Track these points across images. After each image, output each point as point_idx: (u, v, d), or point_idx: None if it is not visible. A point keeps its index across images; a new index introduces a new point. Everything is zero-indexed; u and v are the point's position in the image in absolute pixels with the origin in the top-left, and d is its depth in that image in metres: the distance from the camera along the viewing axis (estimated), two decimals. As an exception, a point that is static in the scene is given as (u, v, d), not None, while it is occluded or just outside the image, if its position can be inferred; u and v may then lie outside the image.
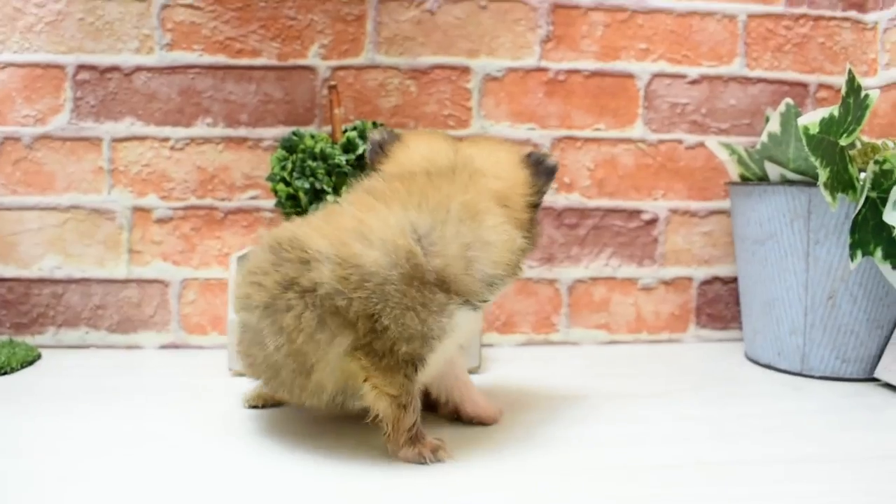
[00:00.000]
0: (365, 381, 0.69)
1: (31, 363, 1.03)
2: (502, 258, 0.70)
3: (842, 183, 0.88)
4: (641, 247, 1.20)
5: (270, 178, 0.98)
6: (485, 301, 0.71)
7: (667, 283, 1.21)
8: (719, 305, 1.22)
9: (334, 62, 1.12)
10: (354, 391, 0.70)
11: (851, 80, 0.86)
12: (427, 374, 0.72)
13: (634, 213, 1.19)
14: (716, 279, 1.22)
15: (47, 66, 1.10)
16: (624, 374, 1.02)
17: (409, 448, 0.70)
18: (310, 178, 0.96)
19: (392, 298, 0.65)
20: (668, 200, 1.20)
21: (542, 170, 0.77)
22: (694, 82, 1.19)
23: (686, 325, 1.22)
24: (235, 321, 0.76)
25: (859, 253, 0.89)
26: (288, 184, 0.97)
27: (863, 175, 0.90)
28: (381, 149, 0.79)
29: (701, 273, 1.22)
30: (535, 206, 0.77)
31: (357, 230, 0.67)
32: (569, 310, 1.19)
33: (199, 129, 1.12)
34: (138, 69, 1.11)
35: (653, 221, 1.20)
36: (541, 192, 0.77)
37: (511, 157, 0.78)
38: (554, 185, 0.82)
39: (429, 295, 0.66)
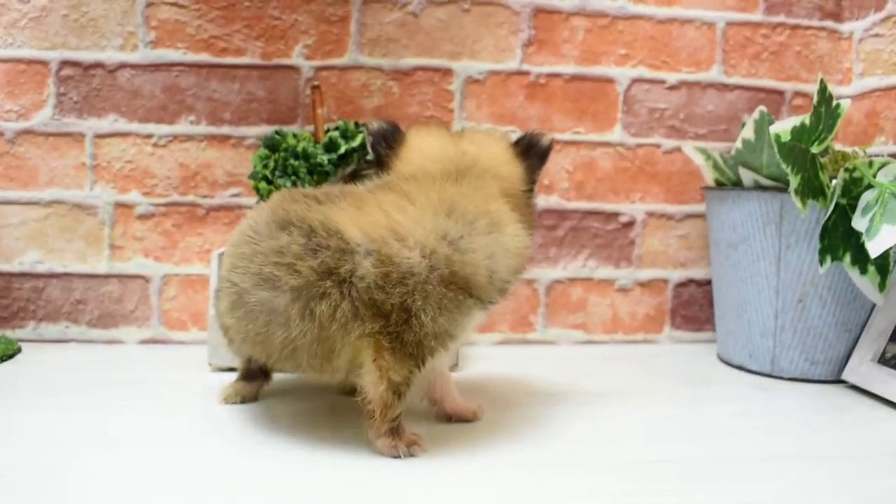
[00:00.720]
0: (374, 361, 0.70)
1: (11, 357, 1.03)
2: (518, 265, 0.76)
3: (812, 190, 0.90)
4: (618, 249, 1.22)
5: (252, 177, 0.99)
6: (495, 304, 0.75)
7: (643, 284, 1.23)
8: (694, 307, 1.25)
9: (318, 62, 1.14)
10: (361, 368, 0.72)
11: (823, 89, 0.88)
12: (428, 369, 0.74)
13: (612, 216, 1.21)
14: (691, 281, 1.24)
15: (31, 62, 1.10)
16: (599, 374, 1.04)
17: (388, 439, 0.71)
18: (291, 177, 0.97)
19: (431, 298, 0.69)
20: (646, 203, 1.22)
21: (534, 153, 0.82)
22: (672, 88, 1.21)
23: (661, 327, 1.24)
24: (245, 301, 0.72)
25: (828, 258, 0.91)
26: (270, 182, 0.98)
27: (833, 182, 0.92)
28: (384, 140, 0.81)
29: (676, 275, 1.24)
30: (532, 192, 0.83)
31: (393, 230, 0.69)
32: (546, 309, 1.21)
33: (183, 126, 1.13)
34: (122, 66, 1.11)
35: (630, 224, 1.21)
36: (536, 176, 0.83)
37: (506, 150, 0.82)
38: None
39: (461, 298, 0.71)
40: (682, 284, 1.24)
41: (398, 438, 0.72)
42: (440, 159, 0.79)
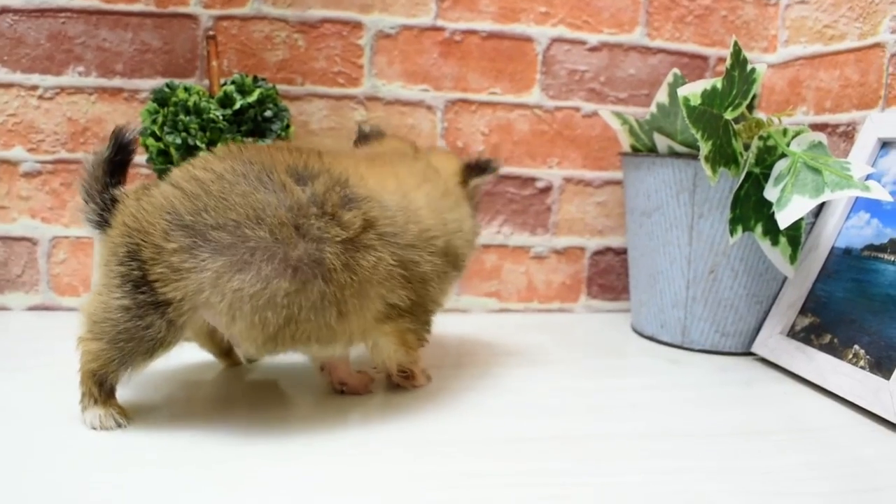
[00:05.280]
0: (397, 330, 0.73)
1: None
2: (473, 240, 0.83)
3: (725, 157, 0.87)
4: (535, 215, 1.18)
5: (141, 133, 0.92)
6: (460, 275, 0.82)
7: (559, 252, 1.20)
8: (611, 276, 1.22)
9: (217, 11, 1.06)
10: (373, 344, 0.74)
11: (737, 52, 0.85)
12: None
13: (528, 181, 1.17)
14: (608, 250, 1.21)
15: None
16: (510, 345, 1.00)
17: (423, 379, 0.83)
18: (182, 134, 0.90)
19: (437, 267, 0.73)
20: (563, 169, 1.18)
21: (475, 164, 0.85)
22: (594, 49, 1.17)
23: (577, 296, 1.21)
24: (274, 257, 0.62)
25: (739, 228, 0.89)
26: (159, 139, 0.92)
27: (748, 150, 0.89)
28: (364, 138, 0.89)
29: (593, 243, 1.21)
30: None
31: (405, 193, 0.72)
32: (459, 277, 1.17)
33: (71, 77, 1.05)
34: (3, 11, 1.02)
35: (547, 189, 1.18)
36: (469, 179, 0.85)
37: (449, 156, 0.88)
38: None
39: (448, 269, 0.76)
40: (599, 252, 1.21)
41: (422, 377, 0.82)
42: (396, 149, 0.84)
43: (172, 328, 0.64)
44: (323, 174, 0.67)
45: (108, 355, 0.65)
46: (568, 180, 1.18)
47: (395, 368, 0.78)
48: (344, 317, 0.66)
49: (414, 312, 0.73)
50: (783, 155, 0.87)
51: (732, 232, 0.89)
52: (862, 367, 0.82)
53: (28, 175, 1.05)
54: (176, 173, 0.66)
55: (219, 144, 0.91)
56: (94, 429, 0.66)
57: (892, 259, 0.86)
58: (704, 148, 0.85)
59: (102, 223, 0.68)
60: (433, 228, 0.73)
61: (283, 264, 0.63)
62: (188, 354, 0.84)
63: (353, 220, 0.66)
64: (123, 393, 0.71)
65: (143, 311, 0.64)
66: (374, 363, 0.78)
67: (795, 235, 0.90)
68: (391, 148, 0.84)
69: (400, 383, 0.81)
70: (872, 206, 0.91)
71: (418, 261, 0.70)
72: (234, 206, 0.63)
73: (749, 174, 0.88)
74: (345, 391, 0.79)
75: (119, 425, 0.67)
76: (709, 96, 0.84)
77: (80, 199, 0.69)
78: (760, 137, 0.88)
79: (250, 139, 0.93)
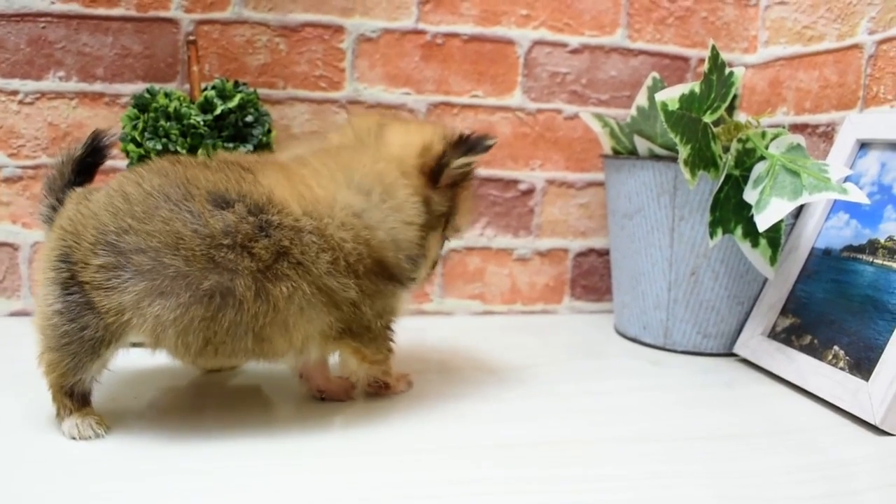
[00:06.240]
0: (350, 352, 0.73)
1: None
2: (416, 235, 0.73)
3: (704, 160, 0.87)
4: (517, 217, 1.18)
5: (122, 138, 0.92)
6: (416, 277, 0.75)
7: (542, 254, 1.20)
8: (594, 277, 1.22)
9: (198, 15, 1.06)
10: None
11: (715, 56, 0.85)
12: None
13: (511, 183, 1.17)
14: (591, 251, 1.22)
15: None
16: (493, 347, 1.00)
17: (403, 384, 0.83)
18: (162, 139, 0.90)
19: (365, 290, 0.69)
20: (546, 171, 1.18)
21: (459, 142, 0.75)
22: (575, 51, 1.17)
23: (561, 297, 1.22)
24: (188, 286, 0.63)
25: (720, 231, 0.89)
26: (139, 144, 0.91)
27: (727, 153, 0.89)
28: None
29: (576, 245, 1.21)
30: (437, 178, 0.76)
31: (317, 206, 0.68)
32: (443, 279, 1.17)
33: (51, 82, 1.04)
34: (-18, 15, 1.02)
35: (529, 192, 1.18)
36: (450, 162, 0.75)
37: (423, 131, 0.77)
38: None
39: (382, 285, 0.71)
40: (582, 254, 1.22)
41: (401, 383, 0.82)
42: (354, 127, 0.78)
43: (110, 329, 0.65)
44: (240, 201, 0.65)
45: (63, 363, 0.66)
46: (550, 182, 1.18)
47: (363, 381, 0.78)
48: (266, 341, 0.67)
49: (354, 332, 0.71)
50: (762, 157, 0.88)
51: (712, 234, 0.89)
52: (841, 369, 0.83)
53: (9, 180, 1.05)
54: (113, 182, 0.67)
55: (199, 150, 0.91)
56: (73, 439, 0.66)
57: (871, 260, 0.87)
58: (683, 152, 0.85)
59: (51, 221, 0.69)
60: (352, 253, 0.68)
61: (199, 291, 0.63)
62: (167, 360, 0.84)
63: (264, 251, 0.64)
64: (102, 401, 0.71)
65: (75, 314, 0.64)
66: (344, 374, 0.78)
67: (775, 237, 0.90)
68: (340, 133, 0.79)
69: (375, 393, 0.80)
70: (851, 207, 0.92)
71: (339, 287, 0.68)
72: (155, 232, 0.63)
73: (728, 177, 0.89)
74: (325, 398, 0.79)
75: (97, 434, 0.67)
76: (687, 101, 0.84)
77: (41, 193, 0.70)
78: (739, 140, 0.89)
79: (231, 145, 0.93)
